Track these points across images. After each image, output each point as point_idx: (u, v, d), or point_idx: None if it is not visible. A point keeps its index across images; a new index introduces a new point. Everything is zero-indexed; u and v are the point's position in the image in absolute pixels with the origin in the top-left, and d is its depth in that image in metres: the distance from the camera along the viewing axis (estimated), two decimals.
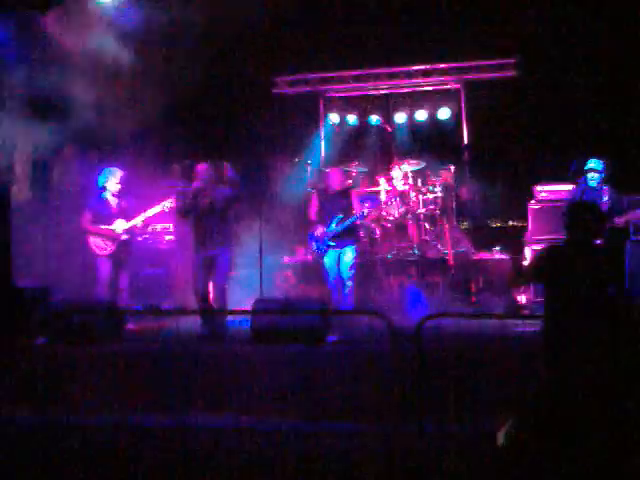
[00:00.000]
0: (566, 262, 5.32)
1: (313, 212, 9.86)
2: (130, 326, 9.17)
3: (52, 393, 7.29)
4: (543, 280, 5.50)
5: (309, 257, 11.73)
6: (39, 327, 8.20)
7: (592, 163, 9.10)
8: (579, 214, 5.41)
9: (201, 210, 8.67)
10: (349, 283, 9.54)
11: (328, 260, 9.63)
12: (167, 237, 11.78)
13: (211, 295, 8.78)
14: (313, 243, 9.73)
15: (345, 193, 9.77)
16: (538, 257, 5.70)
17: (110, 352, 7.62)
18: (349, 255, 9.57)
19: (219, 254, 8.62)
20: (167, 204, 9.45)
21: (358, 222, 9.77)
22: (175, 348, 7.78)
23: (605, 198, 8.82)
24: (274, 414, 6.90)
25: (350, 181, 10.47)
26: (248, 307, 8.15)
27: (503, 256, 11.15)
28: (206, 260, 8.61)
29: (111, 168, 9.74)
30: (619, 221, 8.77)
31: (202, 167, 8.84)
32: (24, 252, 10.01)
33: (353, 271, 9.59)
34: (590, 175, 9.07)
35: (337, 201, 9.64)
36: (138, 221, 9.54)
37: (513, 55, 13.21)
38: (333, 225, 9.48)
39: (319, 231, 9.59)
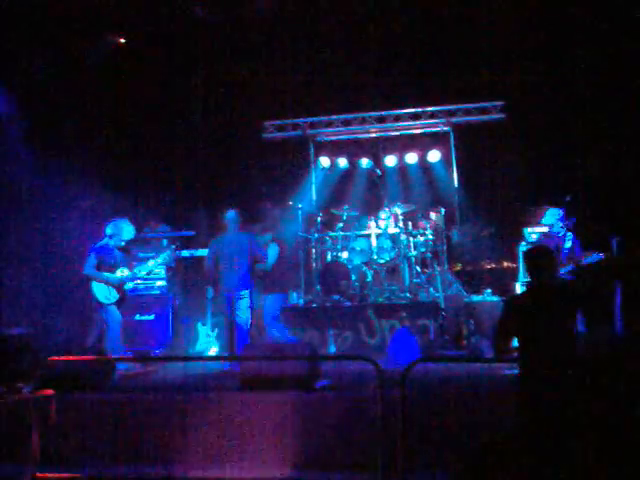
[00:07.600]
0: (536, 304, 5.53)
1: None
2: (120, 373, 9.06)
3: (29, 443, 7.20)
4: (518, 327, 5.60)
5: (300, 302, 11.79)
6: (24, 375, 8.12)
7: (549, 215, 9.19)
8: (538, 258, 5.67)
9: None
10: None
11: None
12: (158, 283, 11.81)
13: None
14: None
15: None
16: (506, 311, 5.78)
17: (96, 400, 7.52)
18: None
19: None
20: (168, 258, 9.56)
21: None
22: (163, 396, 7.66)
23: (568, 244, 8.93)
24: (263, 463, 6.84)
25: None
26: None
27: (494, 298, 11.12)
28: None
29: (124, 220, 9.58)
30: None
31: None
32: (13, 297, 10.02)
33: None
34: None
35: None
36: (142, 271, 9.47)
37: (501, 98, 13.30)
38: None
39: None
